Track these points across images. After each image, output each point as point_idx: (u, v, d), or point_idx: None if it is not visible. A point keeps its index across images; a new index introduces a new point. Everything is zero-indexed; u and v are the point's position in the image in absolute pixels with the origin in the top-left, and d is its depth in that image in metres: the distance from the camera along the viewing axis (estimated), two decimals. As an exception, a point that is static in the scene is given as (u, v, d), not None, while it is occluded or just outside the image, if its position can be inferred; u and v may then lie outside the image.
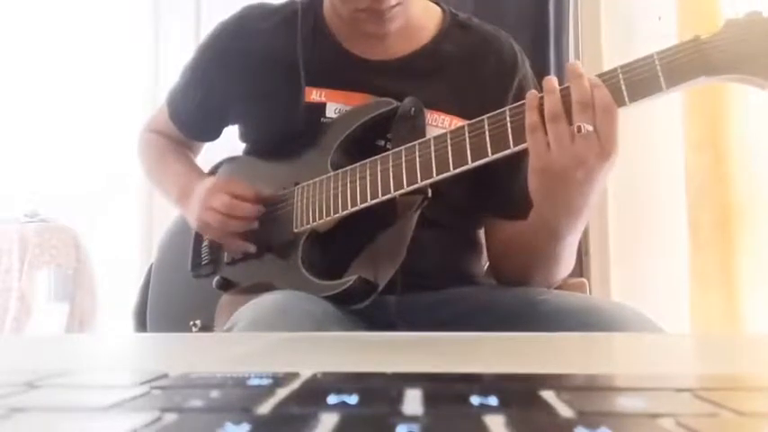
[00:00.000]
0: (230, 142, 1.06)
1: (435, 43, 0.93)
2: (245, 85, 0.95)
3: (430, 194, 0.83)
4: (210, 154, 1.15)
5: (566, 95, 0.72)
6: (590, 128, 0.70)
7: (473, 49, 0.94)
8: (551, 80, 0.73)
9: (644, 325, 0.74)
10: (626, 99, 0.70)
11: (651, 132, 1.72)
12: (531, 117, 0.73)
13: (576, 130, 0.71)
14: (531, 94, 0.74)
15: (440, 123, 0.88)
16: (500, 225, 0.94)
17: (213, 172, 1.05)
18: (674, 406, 0.20)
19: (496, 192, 0.92)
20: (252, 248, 0.91)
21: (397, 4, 0.86)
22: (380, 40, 0.92)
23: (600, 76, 0.73)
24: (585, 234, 1.80)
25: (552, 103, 0.72)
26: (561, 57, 1.80)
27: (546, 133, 0.72)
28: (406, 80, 0.90)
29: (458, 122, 0.83)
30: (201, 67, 1.01)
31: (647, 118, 1.63)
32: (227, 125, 1.04)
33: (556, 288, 0.93)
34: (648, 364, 0.35)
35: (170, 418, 0.18)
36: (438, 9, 0.97)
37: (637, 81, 0.70)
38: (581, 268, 1.77)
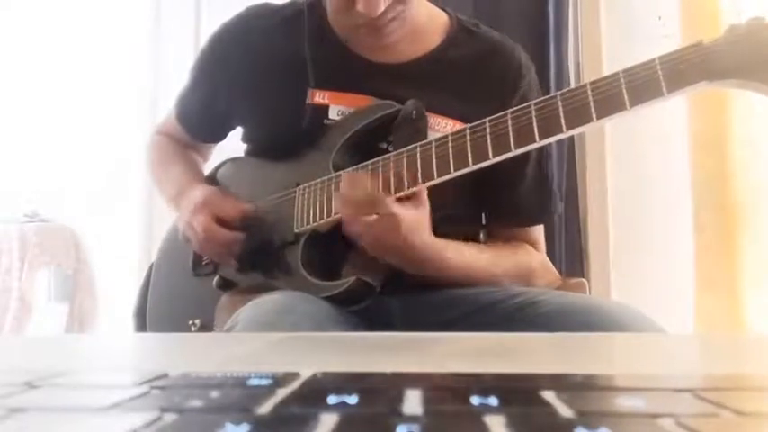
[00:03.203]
0: (233, 143, 1.06)
1: (442, 49, 0.93)
2: (247, 84, 0.95)
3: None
4: (212, 154, 1.15)
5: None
6: (372, 218, 0.78)
7: (479, 55, 0.93)
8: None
9: (644, 325, 0.74)
10: (626, 104, 0.70)
11: (654, 132, 1.72)
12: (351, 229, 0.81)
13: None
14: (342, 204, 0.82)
15: (442, 128, 0.88)
16: (499, 231, 0.95)
17: (214, 174, 1.05)
18: (674, 406, 0.20)
19: (496, 198, 0.92)
20: (236, 265, 0.92)
21: (393, 19, 0.86)
22: (387, 43, 0.91)
23: (601, 80, 0.73)
24: (585, 234, 1.81)
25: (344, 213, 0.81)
26: (561, 57, 1.80)
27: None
28: (410, 84, 0.90)
29: (460, 128, 0.83)
30: (204, 68, 1.02)
31: (650, 118, 1.63)
32: (232, 126, 1.04)
33: (556, 288, 0.93)
34: (648, 364, 0.35)
35: (170, 418, 0.18)
36: (443, 14, 0.97)
37: (638, 85, 0.70)
38: (581, 268, 1.78)
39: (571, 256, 1.76)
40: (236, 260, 0.92)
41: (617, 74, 0.72)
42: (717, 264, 1.49)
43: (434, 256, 0.84)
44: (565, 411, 0.18)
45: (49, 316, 2.57)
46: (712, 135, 1.51)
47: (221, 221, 0.90)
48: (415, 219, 0.80)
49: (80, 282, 2.61)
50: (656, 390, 0.22)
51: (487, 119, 0.77)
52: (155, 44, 2.64)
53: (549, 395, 0.20)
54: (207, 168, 1.10)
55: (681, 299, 1.57)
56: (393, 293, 0.86)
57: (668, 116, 1.60)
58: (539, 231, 0.99)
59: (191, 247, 0.95)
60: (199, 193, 0.95)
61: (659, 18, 1.70)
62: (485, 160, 0.76)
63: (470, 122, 0.80)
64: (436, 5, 0.98)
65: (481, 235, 0.98)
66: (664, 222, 1.72)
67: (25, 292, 2.48)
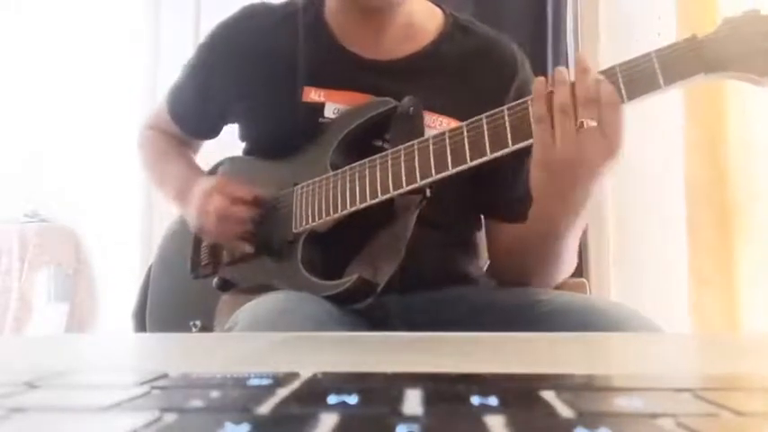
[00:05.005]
0: (229, 142, 1.06)
1: (435, 45, 0.93)
2: (243, 83, 0.95)
3: (429, 194, 0.82)
4: (211, 154, 1.15)
5: (571, 90, 0.72)
6: (594, 123, 0.70)
7: (473, 52, 0.94)
8: (563, 71, 0.73)
9: (643, 325, 0.74)
10: (624, 97, 0.71)
11: (651, 132, 1.71)
12: (538, 107, 0.72)
13: (579, 125, 0.71)
14: (540, 83, 0.73)
15: (437, 125, 0.88)
16: (501, 227, 0.94)
17: (212, 172, 1.05)
18: (673, 406, 0.20)
19: (496, 195, 0.92)
20: (250, 249, 0.91)
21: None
22: (381, 39, 0.92)
23: (599, 74, 0.73)
24: (585, 234, 1.80)
25: (563, 95, 0.71)
26: (559, 57, 1.80)
27: (552, 125, 0.72)
28: (405, 81, 0.90)
29: (454, 125, 0.83)
30: (201, 65, 1.01)
31: (647, 118, 1.62)
32: (225, 123, 1.04)
33: (556, 288, 0.93)
34: (648, 364, 0.35)
35: (170, 418, 0.18)
36: (439, 11, 0.97)
37: (635, 79, 0.70)
38: (581, 268, 1.78)
39: (571, 256, 1.75)
40: (249, 242, 0.91)
41: (614, 67, 0.72)
42: (713, 263, 1.49)
43: (590, 196, 0.78)
44: (565, 411, 0.18)
45: (48, 316, 2.57)
46: (708, 136, 1.51)
47: (238, 202, 0.90)
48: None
49: (80, 282, 2.62)
50: (656, 390, 0.22)
51: (484, 115, 0.77)
52: (155, 44, 2.64)
53: (549, 395, 0.20)
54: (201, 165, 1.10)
55: (681, 299, 1.58)
56: (393, 293, 0.86)
57: (666, 116, 1.60)
58: None
59: (205, 236, 0.95)
60: (210, 180, 0.95)
61: (659, 18, 1.70)
62: (482, 157, 0.76)
63: (465, 119, 0.79)
64: (432, 1, 0.98)
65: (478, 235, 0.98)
66: (663, 222, 1.72)
67: (25, 292, 2.48)
